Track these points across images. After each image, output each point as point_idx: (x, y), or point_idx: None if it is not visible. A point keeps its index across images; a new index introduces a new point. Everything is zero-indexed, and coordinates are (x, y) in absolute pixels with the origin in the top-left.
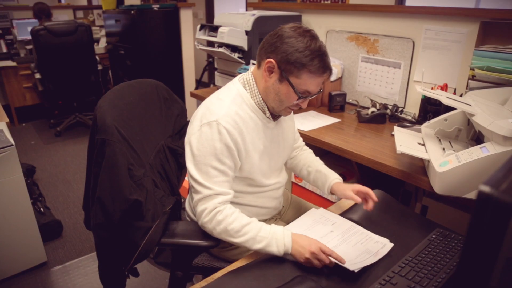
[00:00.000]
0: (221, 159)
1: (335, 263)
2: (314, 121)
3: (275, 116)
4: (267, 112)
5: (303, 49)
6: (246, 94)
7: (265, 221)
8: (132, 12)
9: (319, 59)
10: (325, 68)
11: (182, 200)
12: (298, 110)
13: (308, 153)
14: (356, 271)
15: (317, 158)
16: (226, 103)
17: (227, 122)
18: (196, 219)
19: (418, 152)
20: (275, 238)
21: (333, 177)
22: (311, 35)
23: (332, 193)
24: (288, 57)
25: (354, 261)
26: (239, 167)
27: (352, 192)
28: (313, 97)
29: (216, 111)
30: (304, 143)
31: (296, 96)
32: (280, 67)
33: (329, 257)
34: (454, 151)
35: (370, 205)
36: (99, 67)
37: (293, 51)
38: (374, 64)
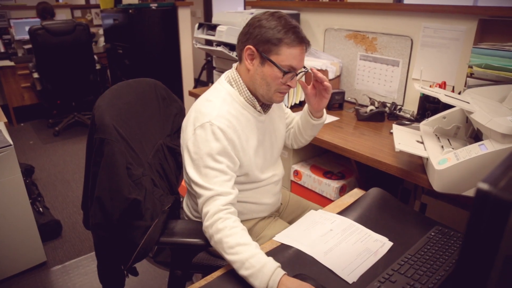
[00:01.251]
0: (218, 158)
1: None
2: None
3: (265, 109)
4: (258, 106)
5: (275, 26)
6: (234, 92)
7: (263, 218)
8: (130, 11)
9: (292, 31)
10: (301, 38)
11: (181, 199)
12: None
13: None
14: (354, 281)
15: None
16: (217, 103)
17: (220, 122)
18: (194, 219)
19: (416, 150)
20: (262, 272)
21: (304, 109)
22: (279, 15)
23: (313, 115)
24: (263, 36)
25: (352, 265)
26: (238, 166)
27: (310, 87)
28: (300, 75)
29: (208, 112)
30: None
31: (281, 73)
32: (259, 50)
33: None
34: (453, 148)
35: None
36: (98, 66)
37: (266, 30)
38: (372, 62)
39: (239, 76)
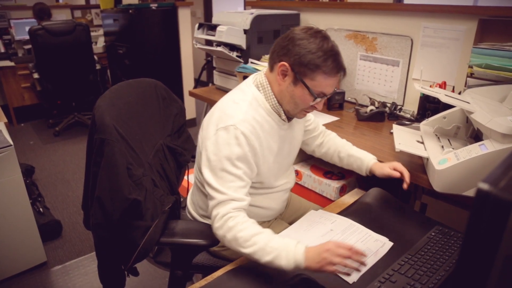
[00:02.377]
0: (237, 164)
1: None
2: None
3: (289, 118)
4: (283, 114)
5: (316, 50)
6: (261, 98)
7: (263, 223)
8: (130, 11)
9: (332, 59)
10: (339, 68)
11: (181, 199)
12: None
13: (334, 137)
14: (354, 281)
15: (344, 141)
16: (243, 107)
17: (245, 127)
18: (199, 219)
19: (417, 150)
20: (286, 250)
21: (368, 159)
22: (322, 36)
23: (370, 173)
24: (301, 59)
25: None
26: (256, 173)
27: (389, 169)
28: (327, 97)
29: (233, 115)
30: (324, 126)
31: (312, 98)
32: (294, 70)
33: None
34: (453, 148)
35: (404, 185)
36: (98, 66)
37: (306, 52)
38: (372, 62)
39: (268, 83)
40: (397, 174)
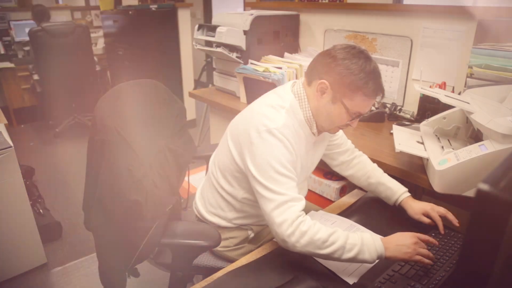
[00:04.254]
0: (287, 165)
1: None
2: None
3: (319, 131)
4: (314, 128)
5: (358, 72)
6: (297, 108)
7: (262, 226)
8: (130, 12)
9: (373, 82)
10: (379, 90)
11: (182, 200)
12: None
13: (365, 159)
14: (354, 281)
15: (375, 165)
16: (282, 113)
17: (287, 132)
18: (206, 215)
19: (417, 150)
20: (366, 245)
21: (400, 192)
22: (365, 56)
23: (398, 206)
24: (342, 79)
25: (353, 266)
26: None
27: (422, 215)
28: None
29: (274, 119)
30: (353, 145)
31: (349, 117)
32: (334, 89)
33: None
34: (453, 149)
35: (440, 230)
36: (97, 68)
37: (348, 73)
38: None
39: (305, 95)
40: (428, 222)
